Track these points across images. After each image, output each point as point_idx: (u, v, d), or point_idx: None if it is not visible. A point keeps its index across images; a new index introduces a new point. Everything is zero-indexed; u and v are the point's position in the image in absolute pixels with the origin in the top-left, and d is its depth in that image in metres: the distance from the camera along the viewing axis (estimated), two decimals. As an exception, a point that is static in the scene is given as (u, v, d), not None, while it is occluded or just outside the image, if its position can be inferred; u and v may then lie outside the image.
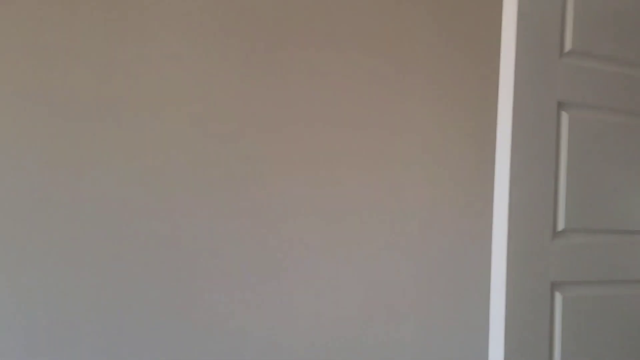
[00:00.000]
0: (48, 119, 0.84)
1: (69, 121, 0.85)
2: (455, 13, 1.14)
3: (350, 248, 1.05)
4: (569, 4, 1.20)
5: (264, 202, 0.98)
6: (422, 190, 1.11)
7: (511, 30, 1.16)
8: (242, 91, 0.97)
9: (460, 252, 1.15)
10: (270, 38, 0.98)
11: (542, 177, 1.18)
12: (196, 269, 0.93)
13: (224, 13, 0.95)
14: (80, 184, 0.85)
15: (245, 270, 0.97)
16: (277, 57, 0.99)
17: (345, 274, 1.05)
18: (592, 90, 1.23)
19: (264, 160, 0.98)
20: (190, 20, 0.93)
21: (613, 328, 1.26)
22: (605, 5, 1.24)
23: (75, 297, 0.85)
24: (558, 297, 1.20)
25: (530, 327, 1.16)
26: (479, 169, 1.16)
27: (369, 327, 1.06)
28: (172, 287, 0.91)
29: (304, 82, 1.01)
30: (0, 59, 0.81)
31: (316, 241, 1.02)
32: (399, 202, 1.09)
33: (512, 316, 1.14)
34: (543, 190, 1.18)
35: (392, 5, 1.08)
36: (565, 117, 1.21)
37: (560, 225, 1.20)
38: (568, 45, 1.21)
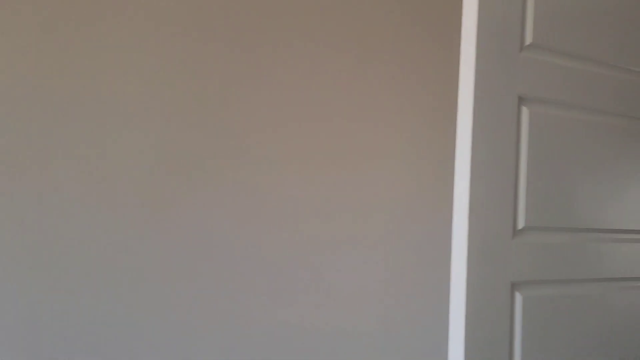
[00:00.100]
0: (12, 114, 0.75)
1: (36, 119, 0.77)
2: (418, 4, 1.09)
3: (309, 246, 0.99)
4: (529, -4, 1.18)
5: (229, 199, 0.92)
6: (384, 187, 1.06)
7: (472, 22, 1.12)
8: (215, 88, 0.90)
9: (422, 249, 1.10)
10: (233, 34, 0.92)
11: (502, 173, 1.14)
12: (183, 269, 0.86)
13: (200, 7, 0.88)
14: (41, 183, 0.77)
15: (219, 268, 0.90)
16: (237, 52, 0.93)
17: (306, 271, 0.99)
18: (552, 85, 1.20)
19: (224, 154, 0.92)
20: (167, 11, 0.85)
21: (572, 327, 1.24)
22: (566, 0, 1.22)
23: (61, 297, 0.77)
24: (518, 298, 1.17)
25: (490, 328, 1.12)
26: (442, 165, 1.12)
27: (331, 325, 1.01)
28: (157, 288, 0.84)
29: (268, 76, 0.95)
30: None
31: (282, 237, 0.96)
32: (359, 200, 1.04)
33: (472, 317, 1.10)
34: (503, 187, 1.14)
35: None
36: (525, 112, 1.17)
37: (521, 224, 1.17)
38: (529, 39, 1.17)
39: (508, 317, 1.15)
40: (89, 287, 0.83)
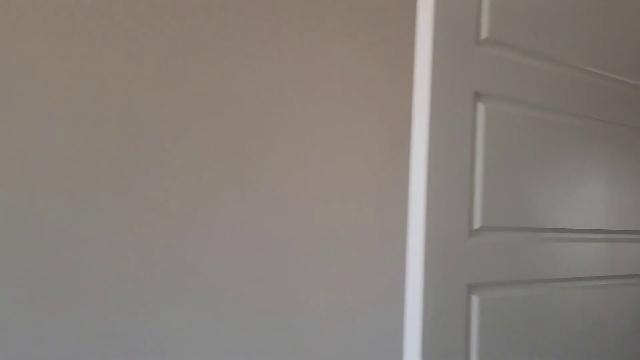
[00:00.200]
0: None
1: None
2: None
3: (258, 248, 0.91)
4: (485, -11, 1.14)
5: (149, 198, 0.82)
6: (339, 182, 1.00)
7: (428, 14, 1.07)
8: (148, 84, 0.80)
9: (377, 250, 1.05)
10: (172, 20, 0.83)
11: (459, 172, 1.10)
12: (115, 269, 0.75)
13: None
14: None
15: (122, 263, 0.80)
16: (175, 47, 0.84)
17: (256, 271, 0.91)
18: (508, 82, 1.17)
19: (156, 154, 0.82)
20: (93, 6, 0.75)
21: (529, 329, 1.21)
22: (520, -6, 1.19)
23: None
24: (475, 300, 1.13)
25: (447, 332, 1.08)
26: (398, 161, 1.07)
27: (283, 329, 0.93)
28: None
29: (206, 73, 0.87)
30: None
31: (227, 233, 0.88)
32: (311, 196, 0.97)
33: (429, 321, 1.05)
34: (460, 185, 1.10)
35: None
36: (481, 108, 1.14)
37: (477, 223, 1.13)
38: (484, 33, 1.14)
39: (464, 321, 1.11)
40: (6, 295, 0.72)
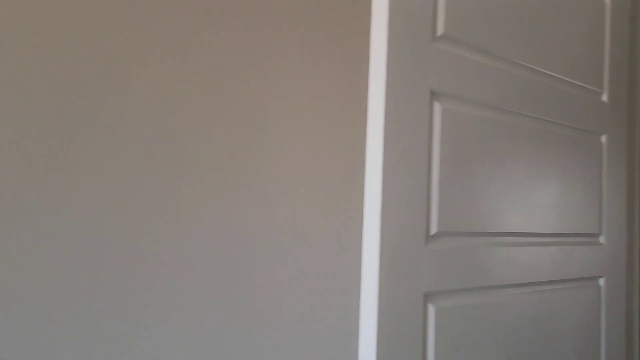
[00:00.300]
0: None
1: None
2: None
3: (202, 242, 0.81)
4: (441, -17, 1.09)
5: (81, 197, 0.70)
6: (290, 190, 0.91)
7: (383, 7, 1.01)
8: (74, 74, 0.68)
9: (331, 258, 0.96)
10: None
11: (415, 174, 1.04)
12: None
13: None
14: None
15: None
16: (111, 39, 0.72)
17: (212, 279, 0.80)
18: (464, 81, 1.13)
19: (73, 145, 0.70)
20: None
21: (486, 338, 1.17)
22: (475, -9, 1.15)
23: None
24: (431, 310, 1.07)
25: (402, 344, 1.01)
26: (353, 166, 0.99)
27: (233, 331, 0.83)
28: None
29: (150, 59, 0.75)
30: None
31: (171, 234, 0.76)
32: (264, 198, 0.88)
33: (384, 333, 0.98)
34: (416, 189, 1.04)
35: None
36: (438, 108, 1.08)
37: (433, 229, 1.08)
38: (441, 29, 1.09)
39: (421, 332, 1.05)
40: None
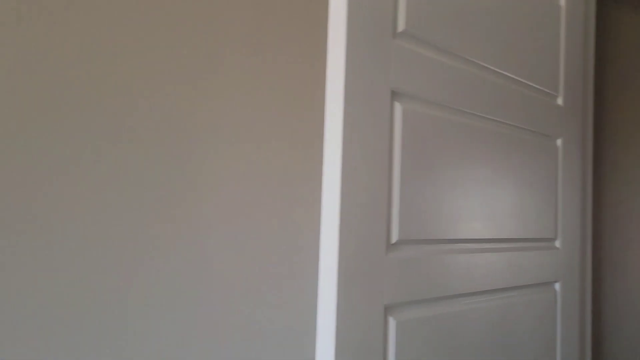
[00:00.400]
0: None
1: None
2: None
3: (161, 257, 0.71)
4: (401, -23, 1.03)
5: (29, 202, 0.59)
6: (242, 194, 0.82)
7: (341, 1, 0.93)
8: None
9: (287, 268, 0.88)
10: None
11: (376, 179, 0.97)
12: None
13: None
14: None
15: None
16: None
17: (170, 286, 0.70)
18: (425, 81, 1.07)
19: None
20: None
21: (447, 350, 1.12)
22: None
23: None
24: (392, 323, 1.01)
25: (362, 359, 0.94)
26: (307, 169, 0.91)
27: (184, 339, 0.73)
28: None
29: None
30: None
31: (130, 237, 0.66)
32: (216, 206, 0.78)
33: (342, 348, 0.91)
34: (377, 195, 0.97)
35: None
36: (398, 108, 1.02)
37: (394, 237, 1.02)
38: (401, 25, 1.03)
39: (381, 347, 0.99)
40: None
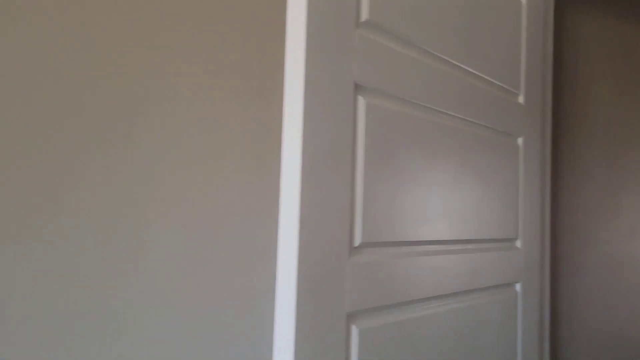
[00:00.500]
0: None
1: None
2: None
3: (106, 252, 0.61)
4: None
5: None
6: (194, 193, 0.73)
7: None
8: None
9: (242, 275, 0.80)
10: None
11: (338, 179, 0.91)
12: None
13: None
14: None
15: None
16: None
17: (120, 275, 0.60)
18: (389, 74, 1.01)
19: None
20: None
21: (412, 358, 1.07)
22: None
23: None
24: (354, 332, 0.95)
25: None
26: (268, 170, 0.84)
27: (138, 340, 0.64)
28: None
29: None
30: None
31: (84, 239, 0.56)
32: (168, 207, 0.69)
33: (302, 357, 0.84)
34: (339, 195, 0.91)
35: None
36: (362, 103, 0.96)
37: (358, 240, 0.95)
38: (365, 14, 0.97)
39: (344, 356, 0.92)
40: None
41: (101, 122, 0.66)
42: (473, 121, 1.26)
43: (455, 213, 1.20)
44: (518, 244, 1.48)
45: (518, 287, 1.48)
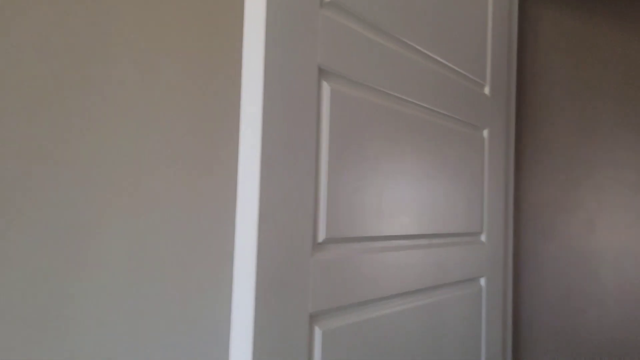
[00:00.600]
0: None
1: None
2: None
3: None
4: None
5: None
6: (146, 188, 0.65)
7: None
8: None
9: (196, 274, 0.73)
10: None
11: (301, 170, 0.84)
12: None
13: None
14: None
15: None
16: None
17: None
18: (355, 59, 0.95)
19: None
20: None
21: (378, 357, 1.02)
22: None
23: None
24: (318, 333, 0.89)
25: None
26: (221, 160, 0.76)
27: (89, 335, 0.55)
28: None
29: None
30: None
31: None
32: (120, 202, 0.61)
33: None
34: (303, 187, 0.84)
35: None
36: (326, 88, 0.90)
37: (322, 235, 0.89)
38: (330, -7, 0.90)
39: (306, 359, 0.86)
40: None
41: (49, 117, 0.57)
42: (440, 112, 1.22)
43: (421, 206, 1.16)
44: (483, 238, 1.46)
45: (483, 281, 1.45)
